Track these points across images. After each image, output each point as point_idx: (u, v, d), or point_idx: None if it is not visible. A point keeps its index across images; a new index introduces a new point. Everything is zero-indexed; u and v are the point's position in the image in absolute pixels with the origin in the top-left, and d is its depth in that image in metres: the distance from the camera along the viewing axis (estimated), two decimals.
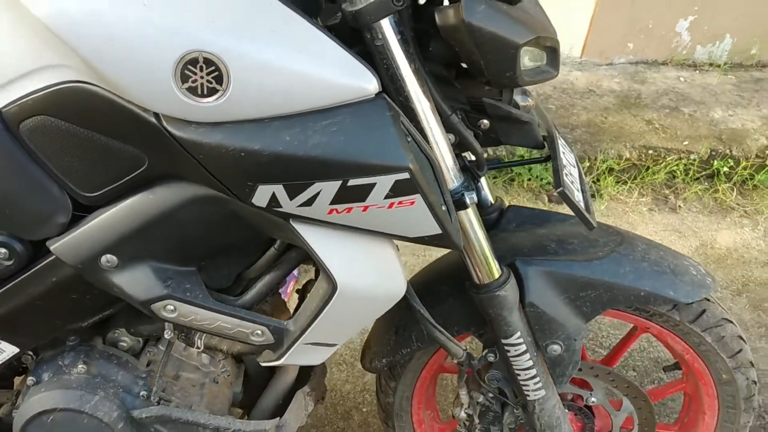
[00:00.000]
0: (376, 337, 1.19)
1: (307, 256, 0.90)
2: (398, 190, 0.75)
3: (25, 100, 0.77)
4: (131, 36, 0.67)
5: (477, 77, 0.85)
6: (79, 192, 0.83)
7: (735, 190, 2.51)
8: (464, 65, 0.88)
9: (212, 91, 0.70)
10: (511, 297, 0.98)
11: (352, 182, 0.74)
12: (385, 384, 1.24)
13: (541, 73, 0.84)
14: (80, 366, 0.97)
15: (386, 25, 0.77)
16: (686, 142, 2.54)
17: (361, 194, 0.75)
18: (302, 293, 1.05)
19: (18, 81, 0.77)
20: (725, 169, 2.50)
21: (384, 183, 0.74)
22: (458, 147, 0.90)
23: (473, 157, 0.92)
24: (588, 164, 2.41)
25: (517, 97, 0.93)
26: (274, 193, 0.75)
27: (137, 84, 0.70)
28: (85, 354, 0.99)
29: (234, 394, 1.11)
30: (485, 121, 0.91)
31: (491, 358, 1.08)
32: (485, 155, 0.97)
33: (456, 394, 1.20)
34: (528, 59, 0.82)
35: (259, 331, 0.90)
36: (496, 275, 0.97)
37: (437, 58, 0.86)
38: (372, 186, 0.74)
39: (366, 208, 0.76)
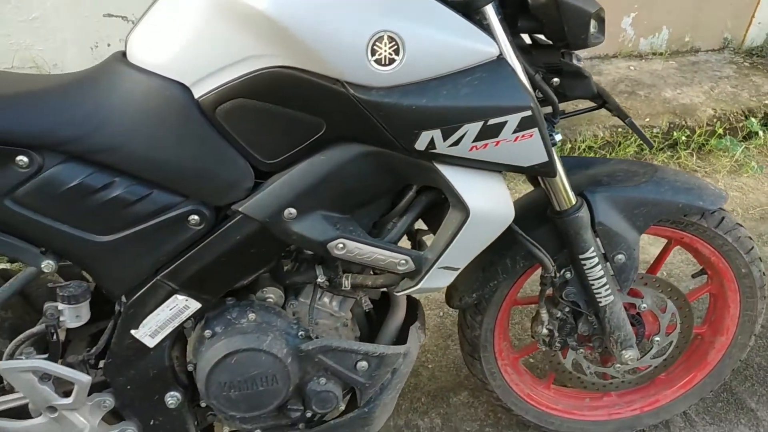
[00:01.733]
0: (463, 277, 1.42)
1: (435, 200, 1.14)
2: (523, 125, 1.00)
3: (222, 88, 0.99)
4: (338, 20, 0.91)
5: (555, 43, 1.12)
6: (261, 161, 1.04)
7: (694, 155, 2.89)
8: (542, 36, 1.15)
9: (391, 61, 0.94)
10: (586, 218, 1.24)
11: (490, 122, 0.99)
12: (471, 319, 1.47)
13: (597, 37, 1.11)
14: (250, 315, 1.16)
15: (490, 9, 1.03)
16: (647, 119, 2.91)
17: (496, 131, 1.00)
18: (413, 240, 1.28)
19: (217, 73, 0.99)
20: (683, 138, 2.87)
21: (513, 120, 1.00)
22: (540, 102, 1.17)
23: (550, 109, 1.19)
24: (570, 145, 2.74)
25: (574, 62, 1.21)
26: (432, 137, 0.99)
27: (338, 58, 0.92)
28: (248, 308, 1.19)
29: (355, 336, 1.32)
30: (556, 80, 1.18)
31: (568, 275, 1.33)
32: None
33: (533, 316, 1.45)
34: (592, 26, 1.09)
35: (403, 261, 1.13)
36: (573, 202, 1.23)
37: (522, 31, 1.13)
38: (504, 123, 1.00)
39: (498, 143, 1.01)
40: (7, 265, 1.31)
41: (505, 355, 1.55)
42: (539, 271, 1.35)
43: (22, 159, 0.98)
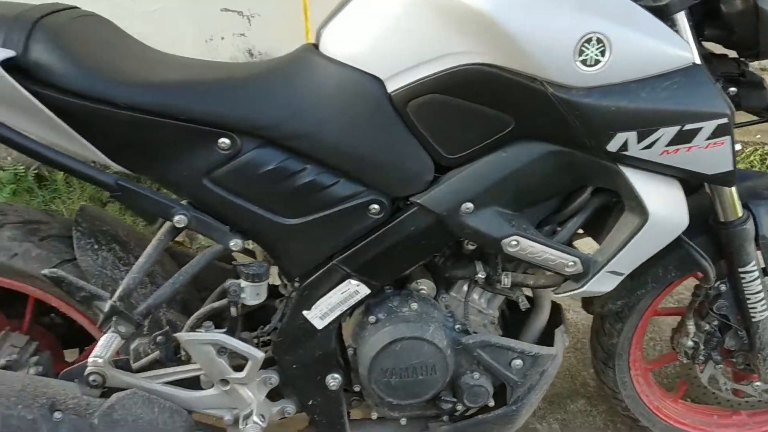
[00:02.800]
0: None
1: (605, 203, 1.14)
2: (717, 132, 1.00)
3: (417, 83, 1.02)
4: (550, 19, 0.92)
5: (741, 52, 1.11)
6: (443, 155, 1.07)
7: None
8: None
9: (596, 62, 0.95)
10: (751, 231, 1.22)
11: (686, 127, 0.99)
12: (610, 326, 1.46)
13: None
14: (412, 305, 1.19)
15: (682, 16, 1.02)
16: None
17: (690, 137, 1.00)
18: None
19: (414, 68, 1.02)
20: None
21: (709, 127, 0.99)
22: None
23: None
24: None
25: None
26: (626, 139, 0.99)
27: (545, 57, 0.94)
28: (408, 297, 1.21)
29: (498, 335, 1.33)
30: (733, 89, 1.16)
31: (722, 288, 1.31)
32: None
33: (676, 327, 1.43)
34: None
35: (572, 262, 1.14)
36: (740, 213, 1.21)
37: (707, 39, 1.12)
38: (699, 129, 0.99)
39: (690, 148, 1.01)
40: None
41: (638, 366, 1.53)
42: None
43: (224, 141, 1.04)
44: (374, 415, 1.30)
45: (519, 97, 1.00)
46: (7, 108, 0.96)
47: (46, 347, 1.29)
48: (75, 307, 1.19)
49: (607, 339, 1.48)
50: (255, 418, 1.15)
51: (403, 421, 1.31)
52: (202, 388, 1.19)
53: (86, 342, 1.43)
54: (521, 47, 0.94)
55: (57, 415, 1.03)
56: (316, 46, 1.12)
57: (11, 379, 1.04)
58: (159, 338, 1.15)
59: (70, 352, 1.44)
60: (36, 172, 2.33)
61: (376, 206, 1.10)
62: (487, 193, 1.07)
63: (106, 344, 1.02)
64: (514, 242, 1.10)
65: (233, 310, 1.13)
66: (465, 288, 1.26)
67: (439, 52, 1.00)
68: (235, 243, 1.10)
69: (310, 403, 1.23)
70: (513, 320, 1.37)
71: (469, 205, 1.07)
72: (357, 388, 1.26)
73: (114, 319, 1.05)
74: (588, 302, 1.47)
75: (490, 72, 0.98)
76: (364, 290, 1.16)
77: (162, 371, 1.16)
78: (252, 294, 1.12)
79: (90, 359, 1.00)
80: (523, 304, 1.27)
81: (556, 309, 1.37)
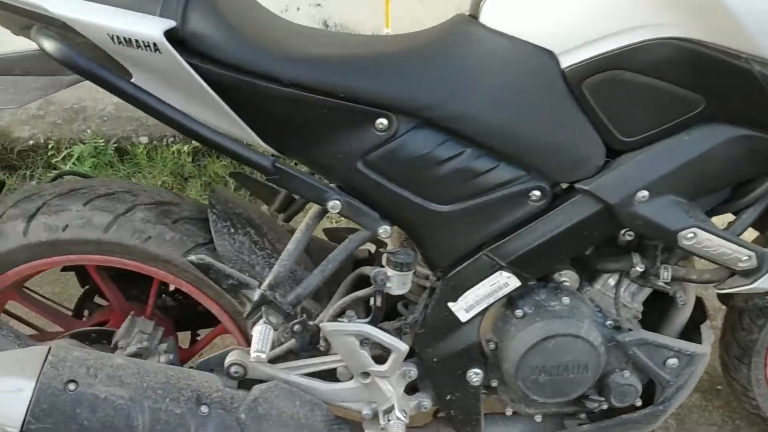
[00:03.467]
0: None
1: None
2: None
3: (597, 58, 0.92)
4: None
5: None
6: (618, 137, 0.98)
7: None
8: None
9: None
10: None
11: None
12: (751, 322, 1.36)
13: None
14: (563, 299, 1.11)
15: None
16: None
17: None
18: None
19: (596, 42, 0.92)
20: None
21: None
22: None
23: None
24: None
25: None
26: None
27: (759, 31, 0.84)
28: (556, 291, 1.13)
29: None
30: None
31: None
32: None
33: None
34: None
35: (747, 256, 1.04)
36: None
37: None
38: None
39: None
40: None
41: None
42: None
43: (381, 122, 0.96)
44: (509, 412, 1.24)
45: (716, 76, 0.90)
46: (162, 81, 0.89)
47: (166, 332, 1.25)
48: (207, 293, 1.14)
49: (745, 334, 1.39)
50: (397, 413, 1.09)
51: (538, 418, 1.24)
52: (338, 380, 1.13)
53: (199, 326, 1.38)
54: (734, 20, 0.84)
55: (203, 409, 0.98)
56: (472, 17, 1.03)
57: (154, 370, 0.99)
58: (296, 327, 1.09)
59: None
60: (116, 145, 2.29)
61: (537, 192, 1.01)
62: (664, 181, 0.98)
63: (262, 337, 0.96)
64: (691, 234, 1.00)
65: (378, 300, 1.06)
66: (612, 281, 1.17)
67: (627, 24, 0.90)
68: (384, 230, 1.03)
69: (448, 398, 1.16)
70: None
71: (645, 193, 0.98)
72: (494, 383, 1.19)
73: (263, 308, 0.99)
74: (727, 295, 1.38)
75: (686, 47, 0.88)
76: (515, 283, 1.08)
77: (301, 362, 1.11)
78: (399, 283, 1.05)
79: (253, 353, 0.95)
80: (681, 300, 1.18)
81: (699, 303, 1.28)
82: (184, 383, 1.00)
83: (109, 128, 2.36)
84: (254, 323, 1.01)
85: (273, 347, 1.12)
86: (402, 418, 1.09)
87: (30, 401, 0.89)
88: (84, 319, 1.30)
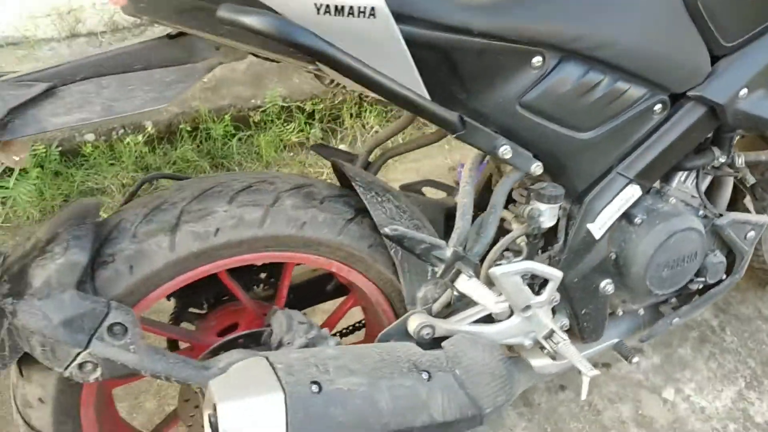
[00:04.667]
0: None
1: None
2: None
3: None
4: None
5: None
6: (721, 43, 1.10)
7: None
8: None
9: None
10: None
11: None
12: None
13: None
14: (669, 200, 1.24)
15: None
16: None
17: None
18: None
19: None
20: None
21: None
22: None
23: None
24: None
25: None
26: None
27: None
28: (657, 194, 1.26)
29: None
30: None
31: None
32: None
33: None
34: None
35: None
36: None
37: None
38: None
39: None
40: None
41: None
42: None
43: (537, 60, 0.98)
44: (620, 312, 1.36)
45: None
46: (357, 50, 0.83)
47: None
48: (357, 269, 1.10)
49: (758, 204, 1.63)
50: (560, 334, 1.16)
51: (641, 311, 1.39)
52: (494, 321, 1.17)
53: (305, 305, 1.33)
54: None
55: (424, 375, 0.98)
56: None
57: (365, 352, 0.97)
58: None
59: None
60: (60, 149, 2.01)
61: (659, 105, 1.11)
62: (760, 77, 1.12)
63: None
64: None
65: (534, 236, 1.11)
66: (684, 177, 1.31)
67: None
68: (536, 166, 1.07)
69: (583, 312, 1.26)
70: None
71: (745, 90, 1.12)
72: (610, 290, 1.30)
73: (457, 264, 1.00)
74: None
75: None
76: (638, 193, 1.18)
77: (468, 312, 1.13)
78: (549, 216, 1.11)
79: (495, 303, 0.95)
80: (749, 180, 1.36)
81: None
82: (395, 356, 0.98)
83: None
84: (452, 281, 1.01)
85: (426, 303, 1.14)
86: (566, 337, 1.17)
87: (286, 413, 0.84)
88: (210, 328, 1.19)
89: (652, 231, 1.21)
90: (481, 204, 1.14)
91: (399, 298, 1.16)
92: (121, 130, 2.11)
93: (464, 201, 1.03)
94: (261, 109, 2.24)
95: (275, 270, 1.26)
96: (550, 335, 1.19)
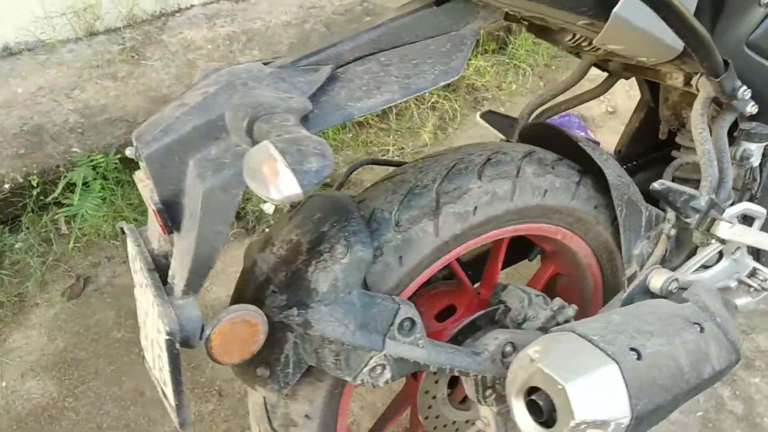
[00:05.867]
0: None
1: None
2: None
3: None
4: None
5: None
6: None
7: None
8: None
9: None
10: None
11: None
12: None
13: None
14: None
15: None
16: None
17: None
18: None
19: None
20: None
21: None
22: None
23: None
24: None
25: None
26: None
27: None
28: None
29: None
30: None
31: None
32: None
33: None
34: None
35: None
36: None
37: None
38: None
39: None
40: None
41: None
42: None
43: None
44: None
45: None
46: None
47: None
48: (578, 233, 1.07)
49: None
50: (764, 270, 1.18)
51: None
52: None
53: None
54: None
55: (696, 328, 0.96)
56: None
57: (645, 314, 0.93)
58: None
59: None
60: (119, 156, 1.84)
61: None
62: None
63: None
64: None
65: (745, 176, 1.11)
66: None
67: None
68: (752, 107, 1.06)
69: None
70: None
71: None
72: None
73: (711, 212, 0.98)
74: None
75: None
76: None
77: (693, 261, 1.12)
78: (758, 155, 1.10)
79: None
80: None
81: None
82: (666, 313, 0.96)
83: (92, 138, 1.90)
84: (707, 229, 1.00)
85: (641, 260, 1.12)
86: None
87: (625, 383, 0.80)
88: (423, 313, 1.12)
89: None
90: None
91: (608, 259, 1.14)
92: None
93: (706, 147, 1.01)
94: None
95: None
96: (753, 273, 1.20)
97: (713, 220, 1.00)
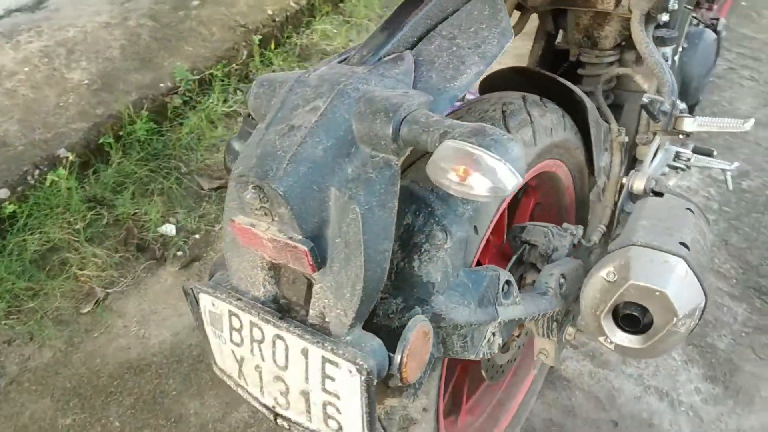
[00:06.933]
0: None
1: None
2: None
3: None
4: None
5: None
6: None
7: None
8: None
9: None
10: None
11: None
12: None
13: None
14: None
15: None
16: None
17: None
18: None
19: None
20: None
21: None
22: None
23: None
24: None
25: None
26: None
27: None
28: None
29: None
30: None
31: None
32: None
33: None
34: None
35: None
36: None
37: None
38: None
39: None
40: None
41: None
42: None
43: None
44: None
45: None
46: None
47: None
48: (564, 161, 1.17)
49: None
50: (685, 151, 1.38)
51: None
52: None
53: None
54: None
55: (690, 212, 1.11)
56: None
57: (664, 209, 1.05)
58: None
59: None
60: None
61: None
62: None
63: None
64: None
65: None
66: None
67: None
68: (665, 15, 1.22)
69: None
70: None
71: None
72: None
73: (673, 112, 1.13)
74: None
75: None
76: None
77: (648, 159, 1.27)
78: (669, 57, 1.28)
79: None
80: None
81: None
82: (670, 207, 1.09)
83: None
84: (674, 127, 1.14)
85: (606, 170, 1.26)
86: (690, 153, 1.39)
87: (694, 273, 0.92)
88: None
89: None
90: None
91: (580, 178, 1.26)
92: (36, 171, 1.67)
93: (656, 58, 1.14)
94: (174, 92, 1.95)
95: None
96: (677, 156, 1.40)
97: (677, 118, 1.15)
